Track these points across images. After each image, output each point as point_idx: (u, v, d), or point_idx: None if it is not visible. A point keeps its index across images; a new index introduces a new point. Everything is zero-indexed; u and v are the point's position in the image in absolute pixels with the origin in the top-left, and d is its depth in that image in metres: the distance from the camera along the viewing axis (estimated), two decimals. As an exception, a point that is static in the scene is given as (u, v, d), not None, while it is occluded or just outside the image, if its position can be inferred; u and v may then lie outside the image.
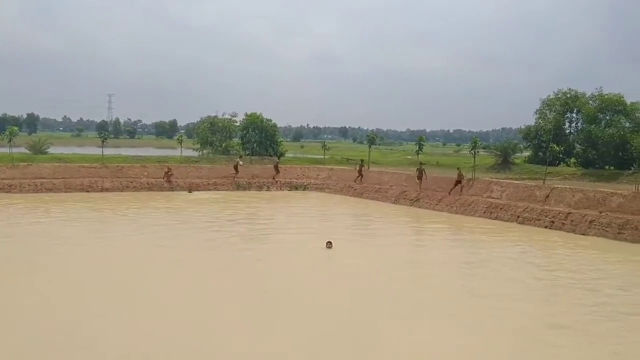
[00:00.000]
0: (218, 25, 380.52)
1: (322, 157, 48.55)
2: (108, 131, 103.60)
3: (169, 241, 20.08)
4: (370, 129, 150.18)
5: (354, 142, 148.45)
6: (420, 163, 35.80)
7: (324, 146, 50.27)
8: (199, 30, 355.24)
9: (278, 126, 55.70)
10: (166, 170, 36.63)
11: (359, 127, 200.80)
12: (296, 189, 39.13)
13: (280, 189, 38.64)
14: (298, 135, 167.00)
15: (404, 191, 34.01)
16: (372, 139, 46.33)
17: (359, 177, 37.70)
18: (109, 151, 41.98)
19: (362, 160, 39.12)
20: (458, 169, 32.42)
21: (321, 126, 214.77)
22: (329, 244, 19.44)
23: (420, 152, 38.66)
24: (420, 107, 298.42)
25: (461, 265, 18.06)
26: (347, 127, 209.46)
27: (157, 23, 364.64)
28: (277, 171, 39.85)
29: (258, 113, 52.23)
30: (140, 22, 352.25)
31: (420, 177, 33.44)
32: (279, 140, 54.48)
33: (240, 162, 39.76)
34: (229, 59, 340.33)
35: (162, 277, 15.18)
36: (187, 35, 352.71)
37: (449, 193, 31.22)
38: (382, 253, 19.97)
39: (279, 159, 43.77)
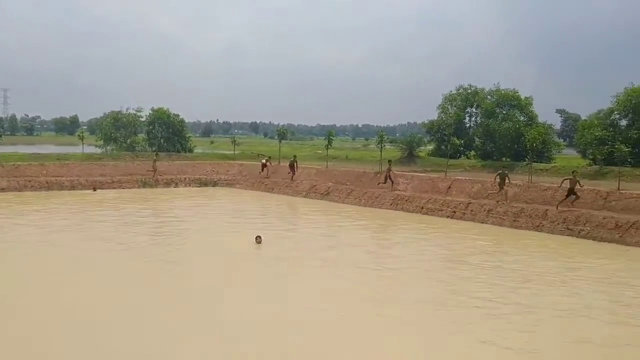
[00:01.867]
0: (124, 18, 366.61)
1: (233, 152, 48.10)
2: (3, 128, 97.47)
3: (76, 244, 19.18)
4: (281, 124, 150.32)
5: (265, 137, 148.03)
6: (503, 167, 29.81)
7: (234, 141, 49.84)
8: (104, 22, 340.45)
9: (186, 121, 54.81)
10: (154, 159, 37.85)
11: (270, 122, 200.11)
12: (206, 185, 38.51)
13: (189, 186, 37.89)
14: (208, 130, 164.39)
15: (314, 185, 34.39)
16: (283, 133, 46.45)
17: (389, 183, 30.81)
18: (4, 149, 39.59)
19: (390, 161, 33.49)
20: (573, 172, 25.43)
21: (232, 121, 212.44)
22: (259, 239, 19.23)
23: (329, 146, 39.19)
24: (330, 103, 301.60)
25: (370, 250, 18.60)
26: (258, 122, 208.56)
27: (56, 13, 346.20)
28: (293, 171, 36.02)
29: (165, 108, 51.12)
30: (38, 13, 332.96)
31: (502, 185, 26.30)
32: (187, 135, 53.60)
33: (263, 160, 38.73)
34: (135, 52, 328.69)
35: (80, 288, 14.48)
36: (91, 27, 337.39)
37: (557, 207, 23.76)
38: (313, 244, 20.14)
39: (294, 157, 37.48)
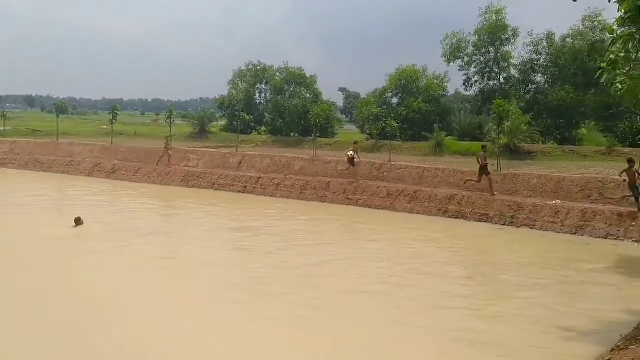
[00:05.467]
0: None
1: (3, 128, 43.09)
2: None
3: None
4: (61, 97, 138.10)
5: (42, 111, 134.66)
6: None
7: (3, 116, 44.61)
8: None
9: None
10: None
11: (49, 95, 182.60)
12: (-31, 166, 34.10)
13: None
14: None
15: (99, 163, 32.49)
16: (61, 107, 42.79)
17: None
18: None
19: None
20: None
21: (2, 94, 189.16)
22: (79, 221, 17.94)
23: (114, 121, 37.11)
24: (118, 76, 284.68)
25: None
26: (34, 95, 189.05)
27: None
28: (352, 165, 26.17)
29: None
30: None
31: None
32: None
33: (350, 153, 26.43)
34: None
35: None
36: None
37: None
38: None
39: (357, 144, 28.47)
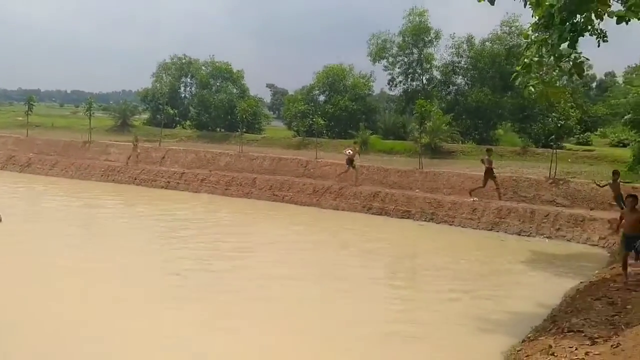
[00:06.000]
0: None
1: None
2: None
3: None
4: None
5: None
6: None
7: None
8: None
9: None
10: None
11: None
12: None
13: None
14: None
15: (12, 156, 30.90)
16: (-30, 97, 40.32)
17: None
18: None
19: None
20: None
21: None
22: None
23: (30, 112, 35.32)
24: (34, 65, 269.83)
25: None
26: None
27: None
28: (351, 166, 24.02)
29: None
30: None
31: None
32: None
33: (348, 151, 24.18)
34: None
35: None
36: None
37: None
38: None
39: (357, 144, 26.72)
